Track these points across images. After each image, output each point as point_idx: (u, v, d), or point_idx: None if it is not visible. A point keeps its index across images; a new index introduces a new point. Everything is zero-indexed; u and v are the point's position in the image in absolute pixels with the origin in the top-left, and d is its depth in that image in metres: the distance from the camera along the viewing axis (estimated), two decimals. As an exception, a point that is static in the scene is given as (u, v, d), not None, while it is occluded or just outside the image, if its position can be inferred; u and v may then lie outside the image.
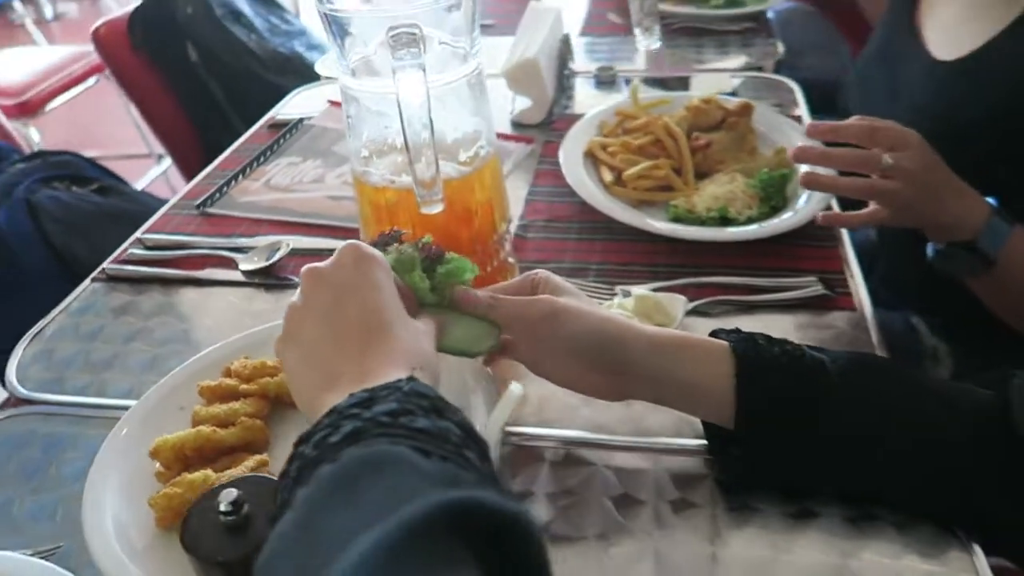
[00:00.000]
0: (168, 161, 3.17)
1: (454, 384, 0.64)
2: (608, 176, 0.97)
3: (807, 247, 0.87)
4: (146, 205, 1.41)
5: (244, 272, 0.93)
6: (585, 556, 0.57)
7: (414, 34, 0.58)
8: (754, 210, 0.89)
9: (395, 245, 0.59)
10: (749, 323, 0.78)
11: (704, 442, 0.64)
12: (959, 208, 0.73)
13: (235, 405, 0.67)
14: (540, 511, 0.61)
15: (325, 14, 0.64)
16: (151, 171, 3.17)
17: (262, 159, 1.19)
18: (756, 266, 0.85)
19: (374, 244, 0.58)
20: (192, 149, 1.92)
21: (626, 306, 0.75)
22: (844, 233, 0.89)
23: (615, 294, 0.78)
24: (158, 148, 3.21)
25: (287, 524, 0.32)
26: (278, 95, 1.42)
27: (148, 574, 0.56)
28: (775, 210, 0.90)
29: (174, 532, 0.59)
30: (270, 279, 0.92)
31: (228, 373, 0.72)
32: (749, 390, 0.54)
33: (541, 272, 0.62)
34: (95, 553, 0.57)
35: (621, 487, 0.63)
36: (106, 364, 0.82)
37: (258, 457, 0.62)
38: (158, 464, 0.64)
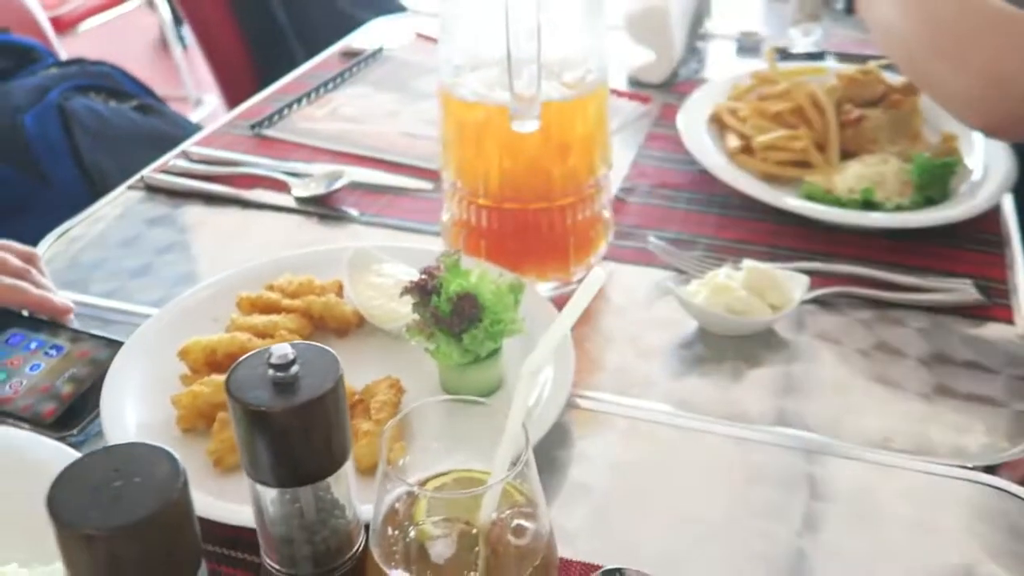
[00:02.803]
0: (207, 109, 3.39)
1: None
2: (734, 143, 1.03)
3: (964, 249, 0.92)
4: (188, 132, 1.55)
5: (297, 199, 1.03)
6: (649, 525, 0.64)
7: (535, -79, 0.67)
8: (906, 198, 0.94)
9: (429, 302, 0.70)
10: (881, 322, 0.83)
11: (802, 434, 0.70)
12: None
13: (275, 318, 0.77)
14: (601, 477, 0.68)
15: None
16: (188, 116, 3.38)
17: (330, 86, 1.30)
18: (898, 261, 0.90)
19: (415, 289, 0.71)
20: (245, 84, 2.07)
21: (734, 278, 0.81)
22: (1014, 236, 0.93)
23: (737, 268, 0.84)
24: (195, 92, 3.45)
25: None
26: (352, 29, 1.55)
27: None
28: (930, 202, 0.95)
29: (195, 435, 0.69)
30: (325, 209, 1.02)
31: (271, 289, 0.82)
32: None
33: None
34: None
35: (699, 475, 0.69)
36: (135, 273, 0.93)
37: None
38: (185, 368, 0.74)
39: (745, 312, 0.80)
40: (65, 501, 0.40)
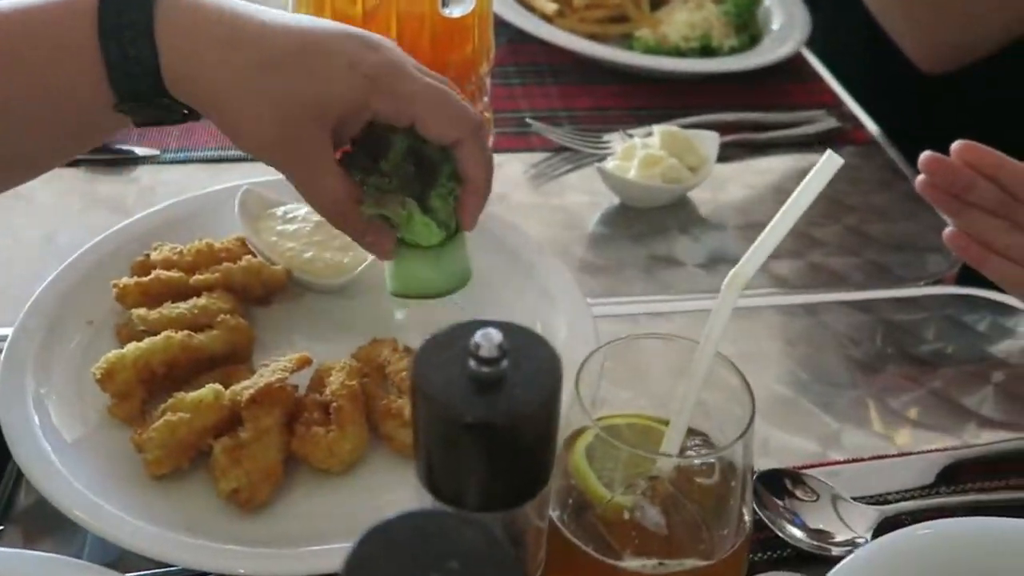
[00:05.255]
0: None
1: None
2: (551, 6, 0.96)
3: (795, 81, 0.96)
4: None
5: (61, 146, 0.78)
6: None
7: None
8: (734, 40, 0.95)
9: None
10: (763, 165, 0.85)
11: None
12: None
13: (200, 301, 0.58)
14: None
15: None
16: None
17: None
18: (751, 103, 0.91)
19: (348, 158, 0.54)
20: None
21: (651, 145, 0.77)
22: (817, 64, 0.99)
23: (629, 135, 0.80)
24: None
25: None
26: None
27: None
28: (753, 40, 0.97)
29: (172, 480, 0.51)
30: (104, 154, 0.79)
31: (145, 267, 0.61)
32: None
33: None
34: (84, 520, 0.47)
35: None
36: None
37: (299, 356, 0.55)
38: (109, 397, 0.53)
39: (678, 179, 0.76)
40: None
